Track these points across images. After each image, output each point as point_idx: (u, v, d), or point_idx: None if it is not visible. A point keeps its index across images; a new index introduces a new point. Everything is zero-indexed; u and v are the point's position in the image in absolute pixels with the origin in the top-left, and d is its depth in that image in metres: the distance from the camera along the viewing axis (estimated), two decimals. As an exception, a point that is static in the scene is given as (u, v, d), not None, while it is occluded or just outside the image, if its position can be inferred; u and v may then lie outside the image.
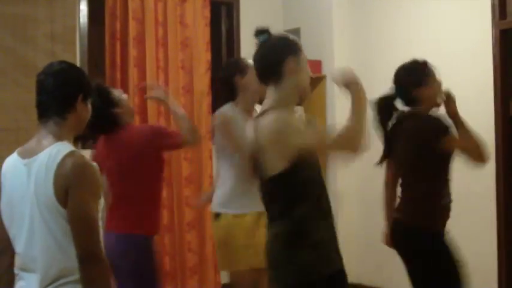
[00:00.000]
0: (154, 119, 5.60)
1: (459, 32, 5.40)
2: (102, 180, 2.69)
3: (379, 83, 6.01)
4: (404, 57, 5.79)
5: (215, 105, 6.09)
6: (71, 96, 2.65)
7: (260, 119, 2.85)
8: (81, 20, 5.51)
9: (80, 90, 2.68)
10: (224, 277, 6.09)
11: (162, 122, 5.61)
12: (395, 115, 3.81)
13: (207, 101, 6.00)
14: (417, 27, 5.75)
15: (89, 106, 2.74)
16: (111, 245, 3.40)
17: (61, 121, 2.63)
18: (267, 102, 2.90)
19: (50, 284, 2.55)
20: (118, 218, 3.78)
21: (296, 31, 6.69)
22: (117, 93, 3.89)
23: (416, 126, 3.65)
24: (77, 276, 2.54)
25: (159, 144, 3.82)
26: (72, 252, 2.53)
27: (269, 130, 2.75)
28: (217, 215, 4.08)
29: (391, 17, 5.98)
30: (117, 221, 3.78)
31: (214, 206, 4.13)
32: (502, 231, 5.13)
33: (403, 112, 3.80)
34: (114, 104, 3.81)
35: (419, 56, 5.25)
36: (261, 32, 3.07)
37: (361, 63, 6.10)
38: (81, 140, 3.78)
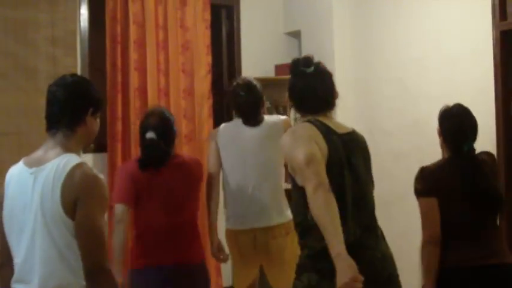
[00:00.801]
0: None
1: (460, 32, 5.40)
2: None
3: (380, 84, 6.06)
4: (405, 58, 5.84)
5: (216, 108, 6.12)
6: (81, 109, 2.68)
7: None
8: (81, 23, 5.51)
9: (90, 103, 2.71)
10: (227, 280, 6.10)
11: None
12: None
13: (208, 103, 6.00)
14: (418, 28, 5.75)
15: (98, 120, 2.77)
16: None
17: (70, 133, 2.66)
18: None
19: None
20: None
21: (296, 33, 6.71)
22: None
23: None
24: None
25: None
26: (73, 264, 2.53)
27: None
28: None
29: (392, 19, 5.97)
30: None
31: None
32: (505, 231, 5.13)
33: None
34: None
35: (420, 56, 5.27)
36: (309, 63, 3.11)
37: (362, 65, 6.11)
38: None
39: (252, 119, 4.24)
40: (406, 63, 5.83)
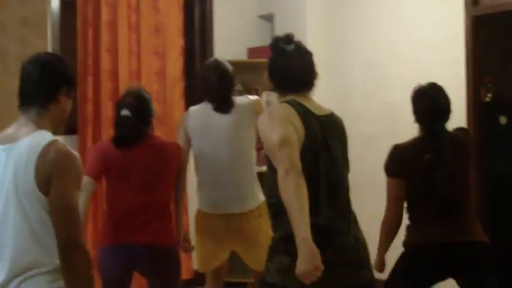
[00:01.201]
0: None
1: (432, 17, 5.43)
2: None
3: (352, 68, 6.07)
4: (377, 43, 5.85)
5: (188, 91, 6.09)
6: (55, 87, 2.67)
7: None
8: (52, 4, 5.44)
9: (64, 82, 2.70)
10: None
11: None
12: None
13: (180, 86, 5.98)
14: (390, 13, 5.77)
15: (71, 101, 2.76)
16: None
17: (43, 111, 2.65)
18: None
19: (21, 273, 2.53)
20: None
21: (269, 17, 6.69)
22: None
23: None
24: (49, 267, 2.54)
25: None
26: (47, 242, 2.53)
27: None
28: None
29: (365, 3, 5.99)
30: None
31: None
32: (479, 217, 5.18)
33: None
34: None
35: (392, 41, 5.29)
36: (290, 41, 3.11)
37: (335, 49, 6.12)
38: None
39: (223, 105, 4.16)
40: (378, 48, 5.85)
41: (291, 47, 3.06)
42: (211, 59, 4.49)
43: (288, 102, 2.97)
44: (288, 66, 3.04)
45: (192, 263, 5.98)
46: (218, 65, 4.24)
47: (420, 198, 3.63)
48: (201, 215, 4.27)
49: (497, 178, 5.82)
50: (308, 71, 3.09)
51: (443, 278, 3.68)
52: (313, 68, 3.11)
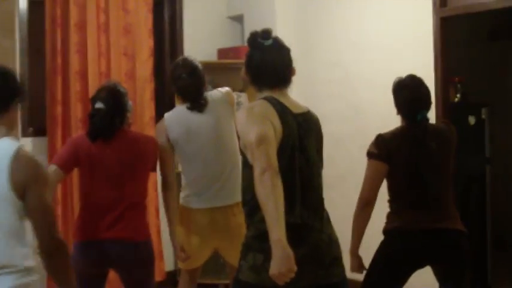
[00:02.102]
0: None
1: (400, 18, 5.47)
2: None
3: (321, 69, 6.09)
4: (346, 44, 5.88)
5: (158, 91, 6.07)
6: (8, 98, 2.84)
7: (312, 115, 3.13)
8: (20, 5, 5.38)
9: (17, 93, 2.88)
10: (169, 264, 6.09)
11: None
12: None
13: (149, 87, 5.95)
14: (359, 15, 5.80)
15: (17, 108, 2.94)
16: None
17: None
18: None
19: None
20: None
21: (239, 17, 6.69)
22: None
23: None
24: (18, 268, 2.65)
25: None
26: (15, 244, 2.65)
27: None
28: None
29: (334, 5, 6.01)
30: None
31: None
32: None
33: None
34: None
35: (363, 41, 5.33)
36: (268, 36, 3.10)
37: (305, 50, 6.13)
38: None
39: (197, 103, 4.14)
40: (347, 49, 5.88)
41: (268, 42, 3.06)
42: (179, 58, 4.46)
43: (266, 99, 2.96)
44: (265, 61, 3.02)
45: (164, 264, 5.98)
46: (187, 62, 4.23)
47: (402, 186, 3.70)
48: (185, 212, 4.22)
49: (467, 178, 5.89)
50: (286, 67, 3.08)
51: (421, 264, 3.73)
52: (291, 63, 3.10)
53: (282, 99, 2.99)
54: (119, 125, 3.84)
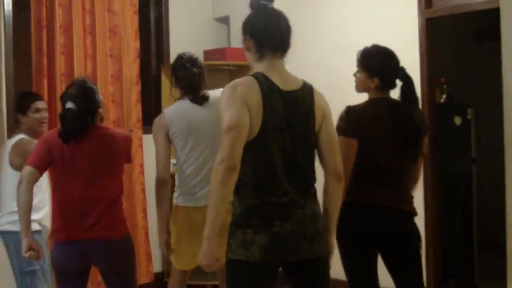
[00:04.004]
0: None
1: (386, 20, 5.48)
2: None
3: (309, 70, 6.09)
4: (335, 46, 5.89)
5: (144, 93, 6.07)
6: None
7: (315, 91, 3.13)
8: (5, 6, 5.34)
9: None
10: (157, 266, 6.08)
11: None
12: None
13: (136, 89, 5.94)
14: (345, 16, 5.82)
15: None
16: None
17: None
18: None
19: None
20: None
21: (225, 19, 6.70)
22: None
23: None
24: None
25: None
26: None
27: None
28: None
29: (320, 6, 6.03)
30: None
31: None
32: (428, 215, 5.25)
33: None
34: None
35: (349, 43, 5.34)
36: None
37: (291, 51, 6.12)
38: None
39: (199, 94, 4.17)
40: (334, 51, 5.89)
41: (271, 4, 3.09)
42: (181, 53, 4.44)
43: (254, 76, 2.93)
44: (271, 21, 3.03)
45: (152, 266, 5.97)
46: (191, 55, 4.32)
47: (371, 162, 3.61)
48: (179, 210, 4.21)
49: (452, 178, 5.92)
50: (288, 28, 3.10)
51: (377, 241, 3.65)
52: (290, 28, 3.12)
53: (274, 75, 2.96)
54: (90, 123, 3.79)
